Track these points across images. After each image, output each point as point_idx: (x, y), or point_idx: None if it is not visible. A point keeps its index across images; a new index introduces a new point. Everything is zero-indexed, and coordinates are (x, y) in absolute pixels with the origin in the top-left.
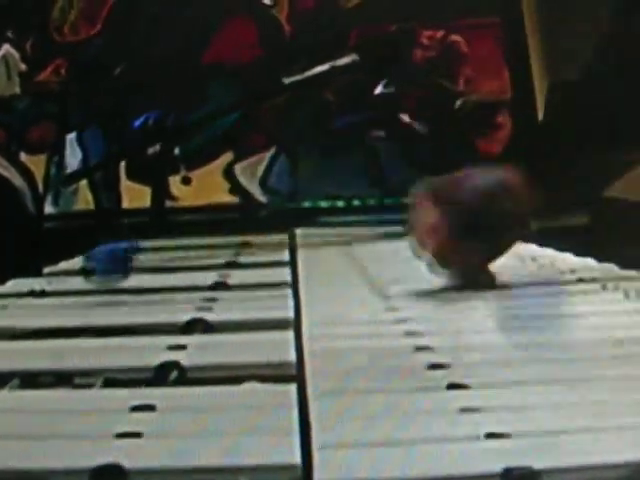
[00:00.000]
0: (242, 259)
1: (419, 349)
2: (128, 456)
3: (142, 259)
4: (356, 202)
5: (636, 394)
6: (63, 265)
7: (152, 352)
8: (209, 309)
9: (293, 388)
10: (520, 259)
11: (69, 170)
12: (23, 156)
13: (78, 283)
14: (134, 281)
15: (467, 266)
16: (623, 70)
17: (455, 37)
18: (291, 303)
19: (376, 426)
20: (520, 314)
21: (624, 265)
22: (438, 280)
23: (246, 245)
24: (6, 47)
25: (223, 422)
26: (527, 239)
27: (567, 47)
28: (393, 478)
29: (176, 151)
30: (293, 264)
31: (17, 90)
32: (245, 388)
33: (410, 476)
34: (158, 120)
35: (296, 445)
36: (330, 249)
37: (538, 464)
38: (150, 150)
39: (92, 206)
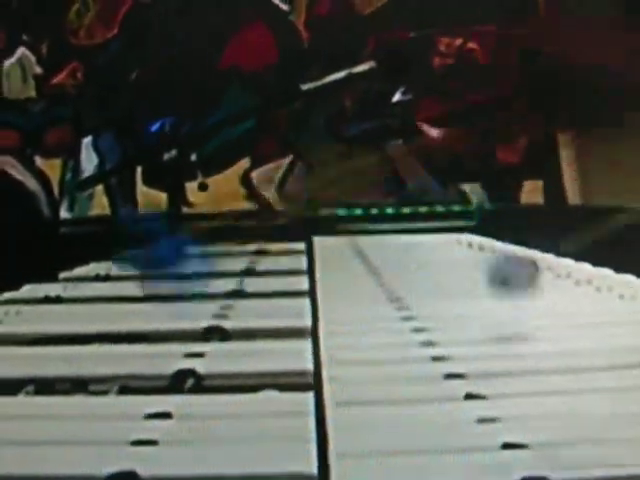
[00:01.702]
0: (259, 267)
1: (436, 359)
2: (143, 463)
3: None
4: (374, 210)
5: None
6: (79, 271)
7: (168, 359)
8: (226, 317)
9: (310, 396)
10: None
11: (85, 175)
12: (38, 160)
13: (94, 289)
14: (151, 288)
15: None
16: None
17: (472, 44)
18: (309, 312)
19: (393, 435)
20: (535, 324)
21: None
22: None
23: (263, 252)
24: (22, 50)
25: (239, 430)
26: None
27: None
28: None
29: (193, 157)
30: (311, 272)
31: (33, 93)
32: (262, 396)
33: None
34: (174, 125)
35: (313, 454)
36: (348, 257)
37: (554, 475)
38: (166, 155)
39: (108, 211)
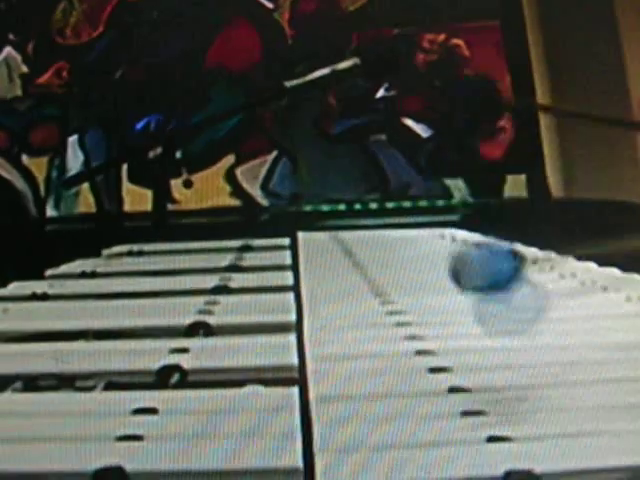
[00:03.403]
0: (244, 262)
1: (420, 353)
2: (130, 459)
3: (144, 262)
4: (357, 206)
5: (635, 397)
6: (65, 268)
7: (154, 355)
8: (211, 312)
9: (295, 391)
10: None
11: (71, 173)
12: (25, 158)
13: (80, 286)
14: (136, 284)
15: None
16: None
17: (456, 41)
18: (293, 307)
19: (378, 430)
20: (521, 317)
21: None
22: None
23: (248, 248)
24: (8, 49)
25: (225, 425)
26: None
27: (569, 50)
28: None
29: (178, 154)
30: (295, 267)
31: (19, 92)
32: (247, 391)
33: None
34: (160, 123)
35: (298, 449)
36: (332, 252)
37: (539, 467)
38: (152, 153)
39: (94, 209)
